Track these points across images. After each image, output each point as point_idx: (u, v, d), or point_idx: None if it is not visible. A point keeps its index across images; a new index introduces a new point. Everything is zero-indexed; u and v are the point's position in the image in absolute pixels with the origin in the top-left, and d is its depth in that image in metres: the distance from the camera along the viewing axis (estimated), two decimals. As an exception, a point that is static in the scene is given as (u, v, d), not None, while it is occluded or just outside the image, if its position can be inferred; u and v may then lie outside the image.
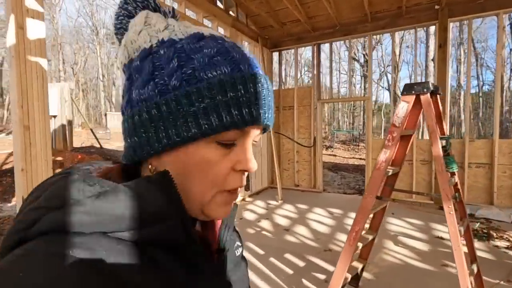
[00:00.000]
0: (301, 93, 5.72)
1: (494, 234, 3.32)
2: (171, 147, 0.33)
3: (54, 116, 7.47)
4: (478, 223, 3.65)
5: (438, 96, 1.69)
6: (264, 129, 0.38)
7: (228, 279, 0.41)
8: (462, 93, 22.17)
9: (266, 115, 0.35)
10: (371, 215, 1.94)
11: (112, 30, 0.40)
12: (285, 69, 25.40)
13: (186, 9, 3.80)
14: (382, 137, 20.63)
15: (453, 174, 1.75)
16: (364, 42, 22.65)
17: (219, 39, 0.35)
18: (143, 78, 0.33)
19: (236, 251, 0.46)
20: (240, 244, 0.48)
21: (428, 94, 1.51)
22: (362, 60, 23.39)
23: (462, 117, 22.41)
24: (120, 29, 0.39)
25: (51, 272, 0.24)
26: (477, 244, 3.11)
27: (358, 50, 22.72)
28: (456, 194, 1.73)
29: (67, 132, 7.50)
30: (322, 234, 3.47)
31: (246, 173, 0.37)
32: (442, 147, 1.70)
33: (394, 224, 3.80)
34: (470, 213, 4.07)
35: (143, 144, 0.33)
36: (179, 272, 0.32)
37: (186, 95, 0.31)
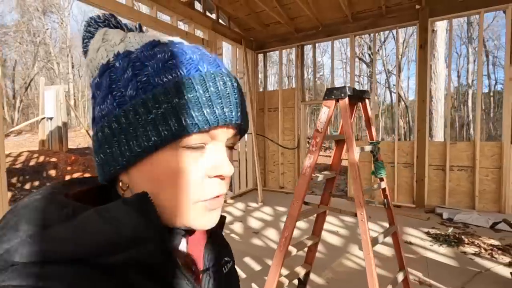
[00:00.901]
0: (286, 94, 5.69)
1: (466, 240, 3.23)
2: (136, 159, 0.32)
3: (51, 118, 7.68)
4: (452, 228, 3.55)
5: (367, 100, 1.66)
6: (240, 131, 0.36)
7: None
8: (471, 92, 21.62)
9: (232, 113, 0.33)
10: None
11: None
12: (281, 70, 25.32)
13: (160, 13, 3.85)
14: (389, 139, 20.27)
15: (381, 179, 1.71)
16: (370, 41, 22.39)
17: (176, 44, 0.34)
18: (102, 93, 0.33)
19: (224, 268, 0.44)
20: (228, 259, 0.46)
21: (346, 99, 1.49)
22: (368, 60, 23.10)
23: (471, 117, 21.83)
24: (86, 52, 0.38)
25: None
26: (444, 250, 3.03)
27: (366, 49, 22.43)
28: (385, 200, 1.69)
29: (62, 133, 7.69)
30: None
31: (225, 179, 0.35)
32: (371, 152, 1.67)
33: (370, 228, 3.74)
34: (449, 217, 3.97)
35: (109, 160, 0.33)
36: None
37: (143, 103, 0.30)
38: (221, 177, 0.34)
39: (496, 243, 3.17)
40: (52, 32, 27.63)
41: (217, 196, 0.34)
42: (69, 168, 6.98)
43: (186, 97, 0.30)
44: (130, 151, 0.31)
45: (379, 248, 3.11)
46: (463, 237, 3.32)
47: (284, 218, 4.15)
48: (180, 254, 0.37)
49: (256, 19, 5.26)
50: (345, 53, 28.53)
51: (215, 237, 0.42)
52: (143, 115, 0.30)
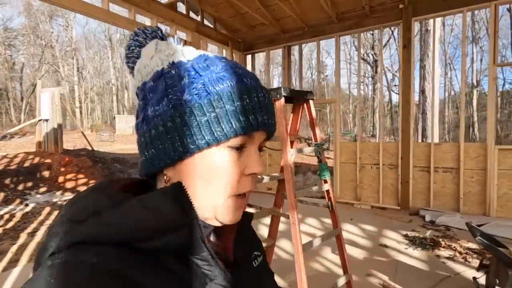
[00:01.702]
0: (273, 95, 5.68)
1: (443, 243, 3.16)
2: (186, 155, 0.36)
3: (46, 120, 7.81)
4: (430, 231, 3.48)
5: (311, 101, 1.64)
6: (268, 135, 0.41)
7: None
8: (475, 92, 21.22)
9: (270, 121, 0.38)
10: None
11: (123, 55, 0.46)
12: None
13: (138, 15, 3.89)
14: (388, 140, 20.01)
15: (325, 181, 1.69)
16: (373, 42, 22.18)
17: (222, 58, 0.39)
18: (157, 96, 0.37)
19: (254, 262, 0.47)
20: (258, 254, 0.49)
21: (282, 100, 1.47)
22: (371, 60, 22.88)
23: (476, 118, 21.43)
24: (131, 57, 0.44)
25: (78, 279, 0.27)
26: (418, 253, 2.97)
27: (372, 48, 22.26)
28: (329, 202, 1.67)
29: (58, 135, 7.81)
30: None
31: (256, 177, 0.39)
32: (314, 153, 1.65)
33: (347, 230, 3.70)
34: (431, 220, 3.89)
35: (160, 154, 0.36)
36: (194, 283, 0.34)
37: (198, 107, 0.34)
38: (254, 175, 0.38)
39: (474, 246, 3.09)
40: (58, 36, 28.16)
41: (245, 194, 0.39)
42: (62, 169, 7.08)
43: (235, 104, 0.35)
44: (184, 147, 0.35)
45: (353, 250, 3.07)
46: (440, 240, 3.25)
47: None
48: (211, 244, 0.41)
49: (241, 20, 5.27)
50: (349, 54, 28.36)
51: (244, 232, 0.46)
52: (198, 117, 0.34)
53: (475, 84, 21.72)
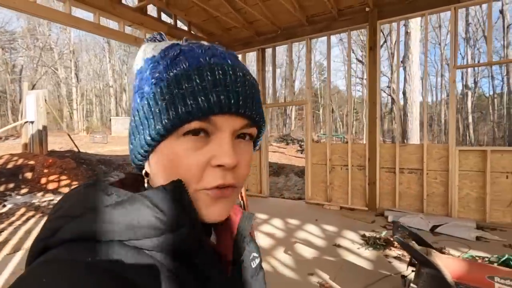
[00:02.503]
0: (249, 97, 5.73)
1: (395, 243, 3.19)
2: (148, 148, 0.35)
3: (32, 122, 7.90)
4: (385, 232, 3.51)
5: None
6: (253, 121, 0.36)
7: None
8: (470, 94, 21.20)
9: (231, 101, 0.33)
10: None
11: None
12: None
13: (104, 19, 3.96)
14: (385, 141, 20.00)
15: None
16: (363, 43, 22.21)
17: (191, 43, 0.37)
18: (135, 93, 0.37)
19: (252, 263, 0.46)
20: (257, 255, 0.48)
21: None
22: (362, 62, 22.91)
23: (470, 119, 21.39)
24: None
25: (71, 278, 0.25)
26: (368, 253, 3.01)
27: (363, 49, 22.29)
28: (241, 202, 1.71)
29: (42, 136, 7.89)
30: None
31: (231, 170, 0.35)
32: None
33: (307, 231, 3.73)
34: (393, 220, 3.92)
35: (134, 149, 0.38)
36: (193, 283, 0.33)
37: (153, 96, 0.34)
38: (223, 167, 0.34)
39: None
40: (58, 39, 28.40)
41: (222, 188, 0.34)
42: (46, 170, 7.16)
43: (184, 87, 0.32)
44: (144, 140, 0.35)
45: (305, 250, 3.10)
46: (393, 239, 3.28)
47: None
48: (211, 245, 0.39)
49: (216, 23, 5.34)
50: (345, 55, 28.36)
51: (245, 232, 0.43)
52: (152, 107, 0.34)
53: (469, 85, 21.71)
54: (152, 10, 4.87)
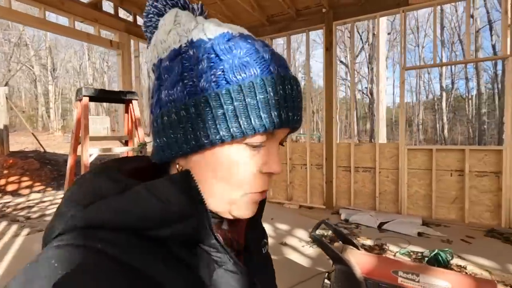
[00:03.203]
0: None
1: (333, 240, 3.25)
2: (199, 149, 0.33)
3: (-7, 121, 7.56)
4: (330, 231, 3.57)
5: (134, 102, 1.66)
6: (292, 130, 0.38)
7: (254, 279, 0.40)
8: (445, 95, 21.95)
9: (295, 117, 0.34)
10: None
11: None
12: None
13: (50, 13, 3.83)
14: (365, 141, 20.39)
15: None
16: (344, 44, 22.58)
17: (248, 39, 0.35)
18: (172, 79, 0.33)
19: (263, 249, 0.47)
20: (266, 241, 0.49)
21: (85, 100, 1.49)
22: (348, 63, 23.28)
23: (445, 119, 22.16)
24: (149, 27, 0.39)
25: (80, 262, 0.26)
26: (312, 251, 3.05)
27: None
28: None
29: (3, 136, 7.58)
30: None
31: (272, 176, 0.37)
32: (137, 153, 1.67)
33: (260, 229, 3.74)
34: (346, 218, 4.00)
35: (171, 144, 0.34)
36: (203, 269, 0.33)
37: (215, 97, 0.31)
38: (271, 174, 0.36)
39: (368, 243, 3.20)
40: (34, 35, 27.36)
41: (263, 191, 0.36)
42: (5, 171, 6.87)
43: (257, 97, 0.31)
44: (196, 141, 0.32)
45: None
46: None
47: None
48: (222, 232, 0.39)
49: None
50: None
51: (256, 218, 0.44)
52: (214, 108, 0.31)
53: (445, 86, 22.49)
54: (109, 6, 4.76)
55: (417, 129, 27.65)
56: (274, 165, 0.35)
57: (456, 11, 21.80)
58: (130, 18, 4.95)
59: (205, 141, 0.32)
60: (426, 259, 2.69)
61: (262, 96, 0.31)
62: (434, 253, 2.68)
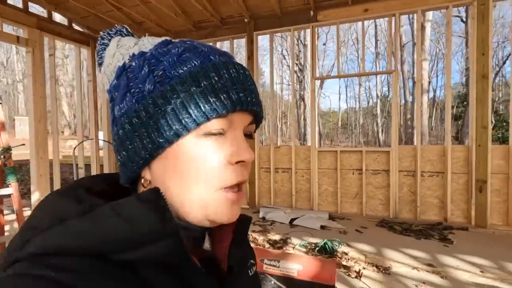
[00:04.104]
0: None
1: (250, 237, 3.48)
2: (158, 151, 0.32)
3: None
4: (246, 227, 3.81)
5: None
6: (256, 118, 0.36)
7: None
8: (379, 102, 24.31)
9: (248, 98, 0.33)
10: None
11: None
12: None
13: None
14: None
15: (10, 185, 1.70)
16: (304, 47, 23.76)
17: (187, 41, 0.35)
18: (121, 93, 0.34)
19: (249, 270, 0.44)
20: (253, 262, 0.46)
21: None
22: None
23: (380, 123, 24.57)
24: (102, 63, 0.40)
25: None
26: (220, 248, 3.21)
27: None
28: (14, 206, 1.67)
29: None
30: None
31: (246, 166, 0.35)
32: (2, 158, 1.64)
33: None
34: (263, 216, 4.27)
35: (132, 155, 0.33)
36: None
37: (162, 95, 0.31)
38: (242, 163, 0.34)
39: (275, 238, 3.47)
40: None
41: (239, 184, 0.34)
42: None
43: (202, 84, 0.31)
44: (153, 143, 0.32)
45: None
46: (252, 234, 3.57)
47: None
48: (204, 252, 0.37)
49: (99, 19, 5.08)
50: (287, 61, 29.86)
51: (240, 238, 0.41)
52: (162, 106, 0.31)
53: (380, 94, 24.97)
54: (17, 0, 4.41)
55: (358, 132, 30.12)
56: (243, 152, 0.33)
57: (385, 24, 24.40)
58: (45, 14, 4.65)
59: (161, 141, 0.32)
60: (317, 248, 3.03)
61: (207, 82, 0.31)
62: (323, 243, 3.04)
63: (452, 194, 3.84)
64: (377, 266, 2.71)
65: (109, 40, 0.40)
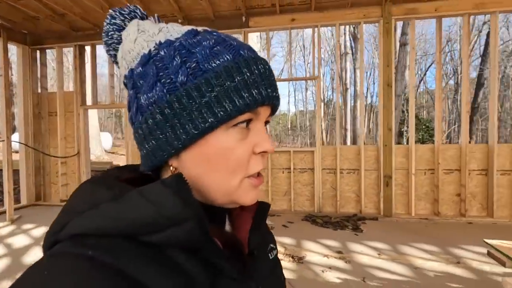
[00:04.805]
0: (67, 98, 5.18)
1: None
2: (191, 141, 0.33)
3: None
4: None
5: None
6: (272, 110, 0.39)
7: (258, 284, 0.39)
8: (323, 105, 25.96)
9: (274, 93, 0.36)
10: None
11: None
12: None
13: None
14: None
15: None
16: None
17: (213, 32, 0.36)
18: (149, 82, 0.34)
19: (269, 254, 0.45)
20: (274, 247, 0.48)
21: None
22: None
23: (323, 126, 26.27)
24: (112, 44, 0.40)
25: (73, 272, 0.25)
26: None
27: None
28: None
29: None
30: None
31: (266, 156, 0.38)
32: None
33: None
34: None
35: (162, 145, 0.34)
36: (202, 274, 0.32)
37: (196, 88, 0.32)
38: (265, 153, 0.37)
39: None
40: None
41: (259, 173, 0.37)
42: None
43: (236, 79, 0.32)
44: (187, 134, 0.33)
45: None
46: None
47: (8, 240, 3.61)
48: (225, 235, 0.38)
49: (12, 9, 4.57)
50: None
51: (259, 223, 0.42)
52: (197, 99, 0.32)
53: (325, 98, 26.75)
54: None
55: (305, 134, 31.77)
56: (266, 144, 0.36)
57: (290, 34, 26.29)
58: None
59: (195, 132, 0.33)
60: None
61: (240, 78, 0.33)
62: (246, 239, 3.18)
63: (366, 189, 4.33)
64: (293, 257, 2.94)
65: (122, 20, 0.39)
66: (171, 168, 0.36)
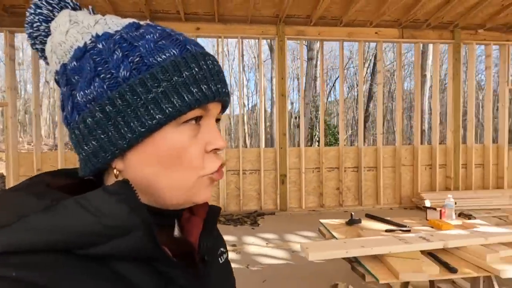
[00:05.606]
0: None
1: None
2: (138, 140, 0.31)
3: None
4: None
5: None
6: (223, 106, 0.38)
7: None
8: (246, 111, 26.99)
9: (223, 89, 0.35)
10: None
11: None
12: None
13: None
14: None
15: None
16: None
17: (157, 26, 0.34)
18: (86, 77, 0.31)
19: (220, 258, 0.45)
20: (224, 250, 0.47)
21: None
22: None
23: (246, 130, 27.36)
24: (38, 37, 0.36)
25: None
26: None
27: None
28: None
29: None
30: None
31: (219, 152, 0.37)
32: None
33: None
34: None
35: (105, 145, 0.31)
36: (150, 284, 0.30)
37: (141, 83, 0.30)
38: (216, 150, 0.35)
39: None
40: None
41: (216, 171, 0.36)
42: None
43: (184, 74, 0.31)
44: (132, 132, 0.30)
45: None
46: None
47: None
48: (176, 240, 0.37)
49: None
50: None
51: (210, 226, 0.40)
52: (142, 94, 0.30)
53: (246, 104, 27.87)
54: None
55: (229, 138, 32.49)
56: (218, 141, 0.34)
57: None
58: None
59: (142, 130, 0.30)
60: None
61: (188, 73, 0.31)
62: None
63: (265, 187, 4.82)
64: (188, 254, 3.11)
65: (49, 10, 0.35)
66: (115, 171, 0.33)
